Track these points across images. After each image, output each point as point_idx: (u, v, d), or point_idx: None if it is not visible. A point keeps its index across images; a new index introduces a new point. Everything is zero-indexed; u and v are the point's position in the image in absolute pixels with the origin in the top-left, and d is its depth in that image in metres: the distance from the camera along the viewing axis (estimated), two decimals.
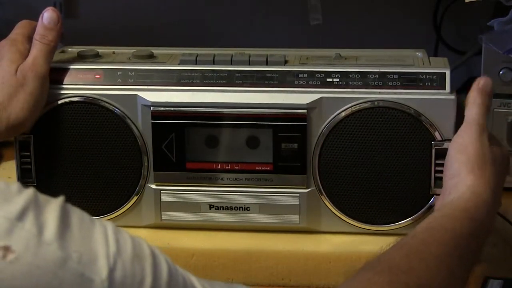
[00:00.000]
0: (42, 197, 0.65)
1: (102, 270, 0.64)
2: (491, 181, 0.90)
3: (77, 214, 0.66)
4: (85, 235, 0.65)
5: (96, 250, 0.64)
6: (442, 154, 0.99)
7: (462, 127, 0.95)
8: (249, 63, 1.05)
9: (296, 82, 1.03)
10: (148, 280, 0.66)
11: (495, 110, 1.19)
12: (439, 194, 0.97)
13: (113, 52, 1.12)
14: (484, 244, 0.89)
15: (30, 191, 0.65)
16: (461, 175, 0.90)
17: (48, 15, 1.04)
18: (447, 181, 0.92)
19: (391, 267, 0.78)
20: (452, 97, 1.01)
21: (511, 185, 1.17)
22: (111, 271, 0.64)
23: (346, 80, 1.03)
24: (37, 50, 1.02)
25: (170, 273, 0.67)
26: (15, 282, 0.61)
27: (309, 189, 1.04)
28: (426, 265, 0.79)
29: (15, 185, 0.65)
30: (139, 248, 0.67)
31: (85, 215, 0.67)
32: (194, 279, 0.70)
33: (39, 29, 1.03)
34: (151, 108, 1.03)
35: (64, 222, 0.64)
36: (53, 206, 0.65)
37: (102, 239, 0.65)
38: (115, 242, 0.66)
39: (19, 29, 1.05)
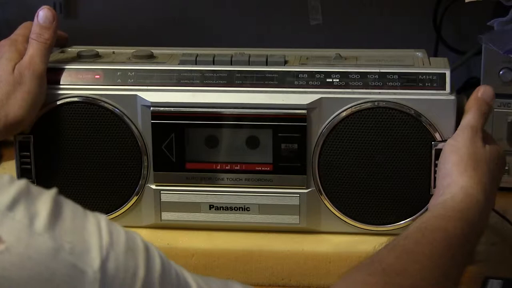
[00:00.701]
0: (35, 188, 0.65)
1: (94, 262, 0.63)
2: (484, 182, 0.90)
3: (70, 206, 0.66)
4: (77, 226, 0.65)
5: (89, 241, 0.64)
6: None
7: (457, 131, 0.96)
8: (249, 63, 1.05)
9: (296, 82, 1.03)
10: (141, 272, 0.66)
11: (495, 110, 1.19)
12: None
13: (113, 52, 1.12)
14: (477, 245, 0.89)
15: (22, 182, 0.65)
16: (454, 175, 0.91)
17: (43, 13, 1.04)
18: (440, 181, 0.92)
19: (385, 269, 0.78)
20: (452, 97, 1.01)
21: (511, 185, 1.17)
22: (104, 262, 0.64)
23: (346, 80, 1.03)
24: (33, 48, 1.02)
25: (163, 267, 0.68)
26: (5, 273, 0.61)
27: (309, 190, 1.04)
28: (420, 266, 0.79)
29: (6, 176, 0.65)
30: (132, 241, 0.67)
31: (78, 207, 0.67)
32: (187, 274, 0.70)
33: (34, 28, 1.03)
34: (151, 108, 1.03)
35: (56, 213, 0.64)
36: (45, 197, 0.65)
37: (95, 230, 0.65)
38: (108, 234, 0.66)
39: (21, 30, 1.06)
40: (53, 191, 0.66)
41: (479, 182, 0.89)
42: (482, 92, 0.98)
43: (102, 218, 0.67)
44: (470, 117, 0.96)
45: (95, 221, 0.66)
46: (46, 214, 0.63)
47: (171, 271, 0.69)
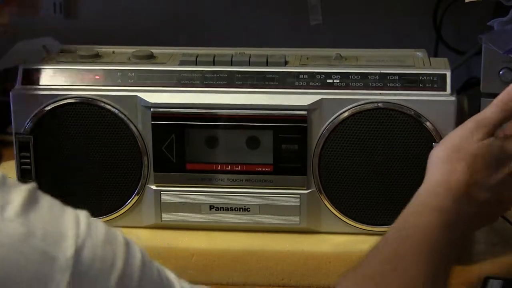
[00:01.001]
0: (11, 181, 0.66)
1: (67, 249, 0.64)
2: (464, 175, 0.86)
3: (48, 199, 0.67)
4: (53, 217, 0.65)
5: (64, 231, 0.65)
6: None
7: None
8: (249, 64, 1.05)
9: (296, 83, 1.03)
10: (119, 264, 0.66)
11: None
12: None
13: (113, 52, 1.12)
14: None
15: None
16: (432, 167, 0.88)
17: None
18: (425, 175, 0.90)
19: (369, 276, 0.78)
20: (453, 98, 1.01)
21: None
22: (78, 251, 0.64)
23: (346, 81, 1.03)
24: None
25: (144, 263, 0.68)
26: None
27: (309, 190, 1.04)
28: (404, 269, 0.78)
29: None
30: (112, 234, 0.67)
31: (57, 202, 0.68)
32: (172, 276, 0.71)
33: None
34: (151, 109, 1.03)
35: (30, 203, 0.65)
36: (21, 189, 0.66)
37: (73, 222, 0.66)
38: (86, 225, 0.66)
39: None
40: (31, 185, 0.67)
41: (458, 174, 0.86)
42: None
43: (82, 213, 0.68)
44: (487, 109, 0.91)
45: (74, 214, 0.67)
46: (19, 202, 0.64)
47: (152, 269, 0.69)
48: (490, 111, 0.90)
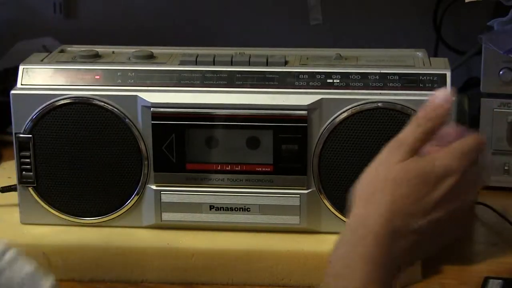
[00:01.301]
0: None
1: None
2: (383, 209, 0.77)
3: None
4: None
5: None
6: None
7: None
8: (249, 63, 1.05)
9: (296, 83, 1.03)
10: None
11: (495, 110, 1.19)
12: None
13: (113, 52, 1.12)
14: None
15: None
16: (353, 203, 0.81)
17: None
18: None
19: None
20: (453, 98, 1.01)
21: (511, 185, 1.18)
22: None
23: (346, 81, 1.03)
24: None
25: None
26: None
27: (309, 190, 1.04)
28: None
29: None
30: (36, 280, 0.67)
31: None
32: None
33: None
34: (151, 109, 1.03)
35: None
36: None
37: None
38: (12, 259, 0.67)
39: None
40: None
41: (377, 209, 0.77)
42: (431, 98, 0.81)
43: (16, 250, 0.68)
44: (406, 127, 0.81)
45: (3, 247, 0.67)
46: None
47: None
48: (408, 129, 0.81)
